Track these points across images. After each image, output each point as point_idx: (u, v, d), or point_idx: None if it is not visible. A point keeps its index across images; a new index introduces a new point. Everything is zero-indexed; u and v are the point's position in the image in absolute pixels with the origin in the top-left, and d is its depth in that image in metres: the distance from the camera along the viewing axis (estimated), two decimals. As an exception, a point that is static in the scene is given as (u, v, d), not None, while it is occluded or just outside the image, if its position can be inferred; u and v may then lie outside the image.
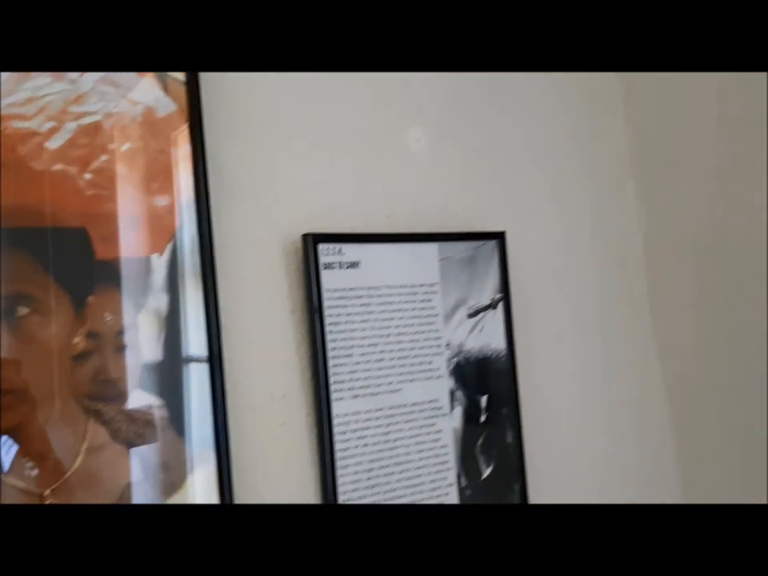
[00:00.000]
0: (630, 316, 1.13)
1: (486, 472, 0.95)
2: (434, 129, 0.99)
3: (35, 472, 0.66)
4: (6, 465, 0.65)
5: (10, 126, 0.68)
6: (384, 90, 0.95)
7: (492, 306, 0.97)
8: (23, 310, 0.67)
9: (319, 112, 0.89)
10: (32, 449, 0.66)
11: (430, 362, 0.91)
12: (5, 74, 0.69)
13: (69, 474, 0.68)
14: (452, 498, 0.91)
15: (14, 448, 0.66)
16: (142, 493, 0.71)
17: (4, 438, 0.65)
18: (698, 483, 1.11)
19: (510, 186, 1.04)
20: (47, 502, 0.66)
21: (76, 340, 0.69)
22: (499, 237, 0.98)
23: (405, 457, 0.88)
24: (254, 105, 0.85)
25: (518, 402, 0.97)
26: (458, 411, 0.93)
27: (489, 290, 0.97)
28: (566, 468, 1.03)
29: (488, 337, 0.96)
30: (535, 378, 1.01)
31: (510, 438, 0.97)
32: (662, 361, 1.14)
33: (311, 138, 0.88)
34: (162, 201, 0.75)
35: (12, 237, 0.67)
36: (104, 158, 0.73)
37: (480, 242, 0.97)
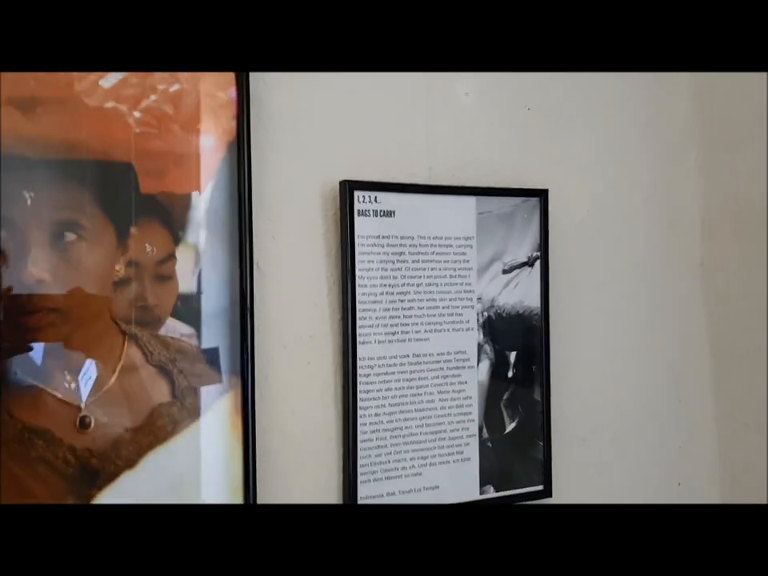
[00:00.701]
0: (679, 283, 1.11)
1: (510, 427, 0.96)
2: (484, 83, 0.98)
3: (74, 385, 0.73)
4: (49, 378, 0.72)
5: (65, 62, 0.73)
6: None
7: (529, 263, 0.97)
8: (71, 236, 0.73)
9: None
10: (72, 364, 0.72)
11: (460, 314, 0.93)
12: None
13: (104, 389, 0.74)
14: (473, 448, 0.93)
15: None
16: (170, 414, 0.76)
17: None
18: (735, 452, 1.09)
19: (559, 145, 1.02)
20: (82, 414, 0.73)
21: (117, 267, 0.75)
22: (542, 195, 0.98)
23: (427, 404, 0.91)
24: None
25: (548, 361, 0.98)
26: (485, 365, 0.95)
27: (526, 248, 0.97)
28: (593, 431, 1.03)
29: (522, 294, 0.97)
30: (568, 338, 1.01)
31: (537, 395, 0.98)
32: (710, 331, 1.11)
33: (356, 86, 0.89)
34: (206, 141, 0.79)
35: (65, 168, 0.72)
36: (153, 97, 0.76)
37: (521, 199, 0.96)
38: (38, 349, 0.71)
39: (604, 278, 1.05)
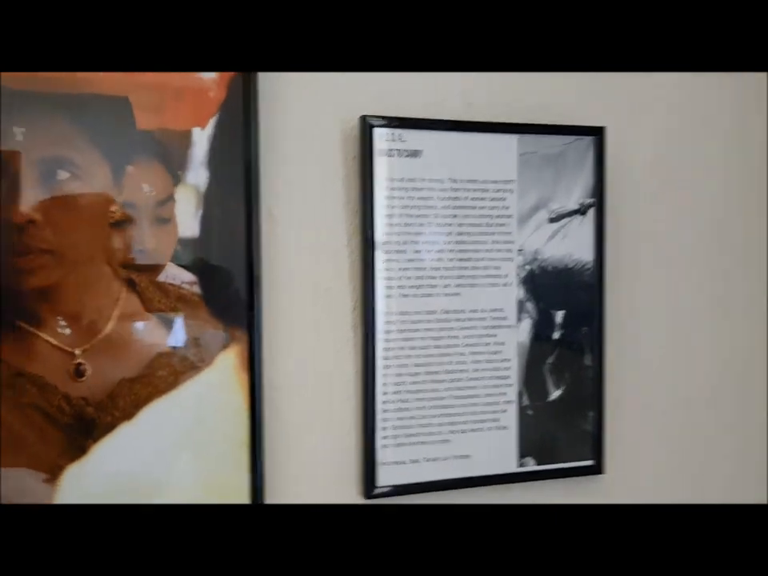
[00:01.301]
0: (757, 245, 0.96)
1: (555, 394, 0.86)
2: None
3: (68, 331, 0.69)
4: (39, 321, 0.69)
5: (56, -11, 0.69)
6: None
7: (580, 211, 0.86)
8: (63, 174, 0.69)
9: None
10: (66, 309, 0.69)
11: (497, 268, 0.83)
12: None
13: (100, 336, 0.70)
14: (510, 415, 0.84)
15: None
16: (171, 365, 0.72)
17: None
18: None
19: (619, 76, 0.90)
20: (77, 361, 0.70)
21: (113, 208, 0.70)
22: (597, 133, 0.86)
23: (458, 366, 0.82)
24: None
25: (602, 322, 0.87)
26: (527, 324, 0.85)
27: (578, 193, 0.86)
28: (652, 403, 0.91)
29: (572, 246, 0.86)
30: (626, 297, 0.90)
31: (588, 360, 0.87)
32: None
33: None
34: (207, 73, 0.73)
35: (54, 101, 0.68)
36: (150, 25, 0.71)
37: (572, 138, 0.85)
38: (30, 292, 0.68)
39: (670, 231, 0.92)
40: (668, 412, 0.92)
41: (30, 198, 0.68)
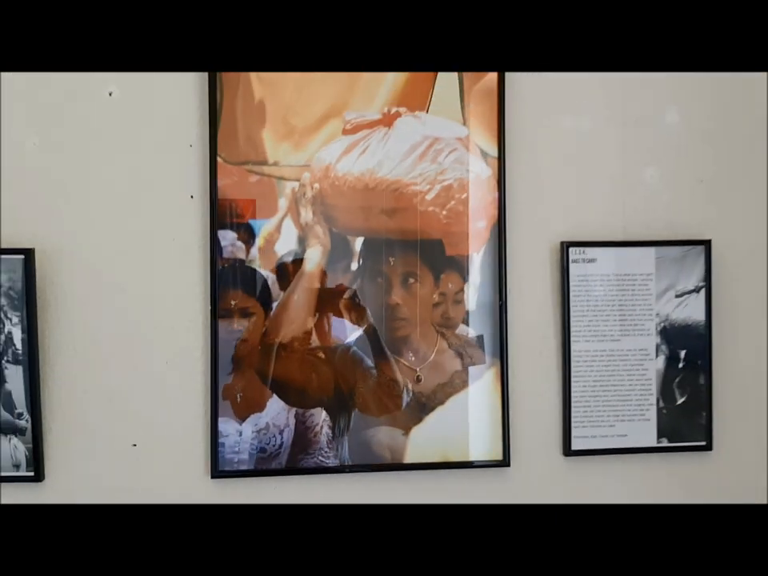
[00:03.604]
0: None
1: (680, 400, 1.43)
2: (665, 165, 1.45)
3: (413, 358, 1.37)
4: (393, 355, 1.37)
5: (410, 188, 1.37)
6: (629, 138, 1.44)
7: (696, 290, 1.43)
8: (411, 281, 1.37)
9: (582, 157, 1.43)
10: (412, 347, 1.37)
11: (643, 325, 1.42)
12: (409, 157, 1.38)
13: (428, 361, 1.38)
14: (652, 413, 1.42)
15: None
16: (461, 376, 1.38)
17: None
18: None
19: (723, 205, 1.45)
20: (417, 374, 1.37)
21: (434, 296, 1.38)
22: (706, 243, 1.42)
23: (619, 381, 1.41)
24: (543, 157, 1.42)
25: (710, 357, 1.42)
26: (662, 358, 1.42)
27: (694, 279, 1.42)
28: (748, 409, 1.45)
29: (690, 311, 1.42)
30: (727, 343, 1.44)
31: (701, 380, 1.43)
32: None
33: (578, 173, 1.43)
34: (479, 224, 1.39)
35: (407, 244, 1.37)
36: (453, 202, 1.38)
37: (689, 247, 1.42)
38: (396, 338, 1.37)
39: (760, 303, 1.45)
40: (756, 414, 1.45)
41: (395, 293, 1.37)
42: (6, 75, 1.30)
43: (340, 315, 1.36)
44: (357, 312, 1.36)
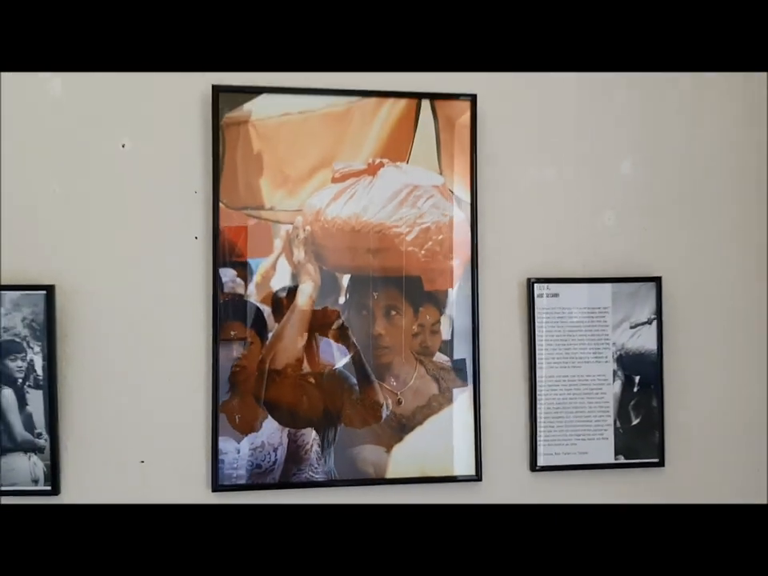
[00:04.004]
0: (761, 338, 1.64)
1: (635, 421, 1.58)
2: (620, 210, 1.62)
3: (394, 383, 1.52)
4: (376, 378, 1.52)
5: (392, 230, 1.53)
6: (588, 187, 1.61)
7: (648, 322, 1.59)
8: (393, 313, 1.53)
9: (547, 203, 1.60)
10: (394, 373, 1.52)
11: (601, 353, 1.58)
12: (392, 203, 1.54)
13: (408, 386, 1.53)
14: (609, 433, 1.57)
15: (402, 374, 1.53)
16: (438, 399, 1.53)
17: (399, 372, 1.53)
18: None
19: (673, 245, 1.62)
20: (398, 398, 1.52)
21: (414, 327, 1.53)
22: (657, 280, 1.59)
23: (580, 403, 1.57)
24: (511, 203, 1.59)
25: (662, 382, 1.59)
26: (618, 383, 1.58)
27: (647, 312, 1.59)
28: (696, 428, 1.61)
29: (643, 341, 1.59)
30: (676, 369, 1.61)
31: (654, 402, 1.59)
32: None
33: (543, 217, 1.59)
34: (456, 263, 1.55)
35: (389, 280, 1.53)
36: (430, 243, 1.54)
37: (642, 283, 1.59)
38: (379, 365, 1.52)
39: (706, 332, 1.62)
40: (703, 432, 1.61)
41: (379, 324, 1.52)
42: (32, 132, 1.46)
43: (329, 344, 1.51)
44: (344, 341, 1.52)
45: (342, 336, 1.52)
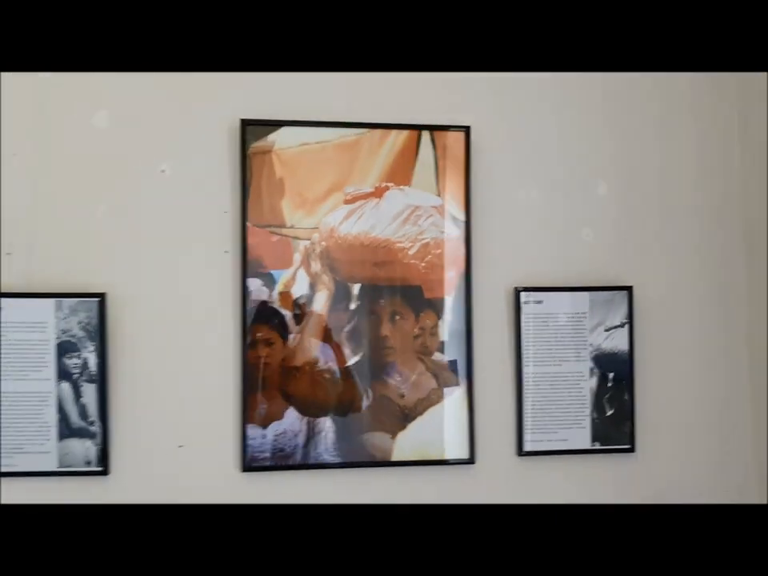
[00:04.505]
0: (726, 341, 1.86)
1: (609, 412, 1.81)
2: (597, 227, 1.84)
3: (398, 378, 1.74)
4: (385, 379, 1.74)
5: (396, 245, 1.76)
6: (568, 205, 1.84)
7: (621, 325, 1.82)
8: (397, 317, 1.75)
9: (532, 220, 1.82)
10: (397, 370, 1.74)
11: (579, 353, 1.80)
12: (396, 221, 1.76)
13: (410, 381, 1.75)
14: (586, 423, 1.80)
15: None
16: (437, 393, 1.75)
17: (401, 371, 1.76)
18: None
19: (643, 258, 1.85)
20: (402, 392, 1.74)
21: (415, 330, 1.76)
22: (629, 289, 1.82)
23: (561, 397, 1.79)
24: (501, 220, 1.81)
25: (632, 378, 1.81)
26: (594, 379, 1.81)
27: (620, 316, 1.81)
28: (663, 418, 1.83)
29: (616, 342, 1.81)
30: (645, 367, 1.83)
31: (626, 396, 1.81)
32: (750, 372, 1.85)
33: (529, 233, 1.82)
34: (450, 274, 1.77)
35: (391, 290, 1.75)
36: (429, 257, 1.77)
37: (616, 291, 1.81)
38: (389, 365, 1.74)
39: (672, 335, 1.85)
40: (669, 422, 1.83)
41: (384, 327, 1.74)
42: (83, 160, 1.68)
43: (341, 344, 1.74)
44: (354, 341, 1.74)
45: (353, 337, 1.74)
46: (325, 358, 1.73)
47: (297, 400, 1.71)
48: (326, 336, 1.73)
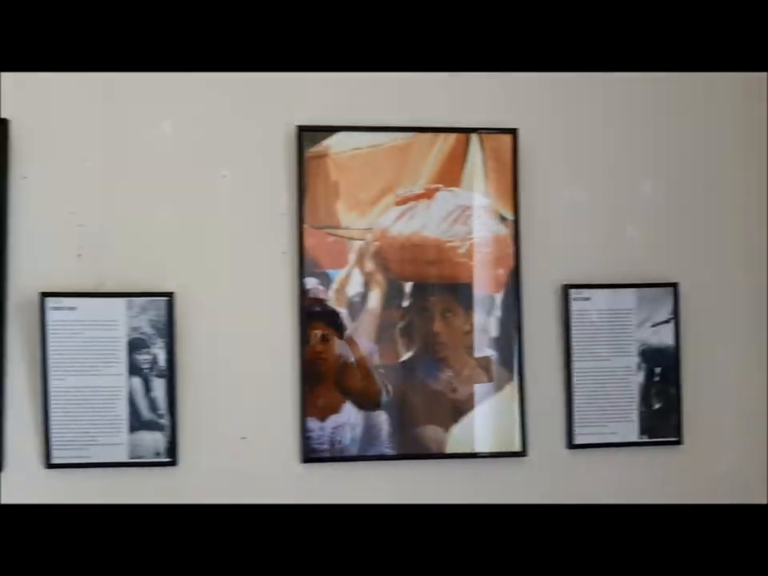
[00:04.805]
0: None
1: (656, 405, 1.85)
2: (642, 225, 1.89)
3: (450, 373, 1.80)
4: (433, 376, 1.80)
5: (447, 245, 1.82)
6: (614, 204, 1.88)
7: (667, 321, 1.86)
8: (448, 314, 1.81)
9: (579, 219, 1.88)
10: (449, 365, 1.80)
11: (626, 348, 1.85)
12: (446, 221, 1.83)
13: (462, 376, 1.81)
14: (634, 416, 1.84)
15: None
16: (487, 389, 1.80)
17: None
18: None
19: (690, 256, 1.89)
20: (454, 386, 1.80)
21: (466, 326, 1.82)
22: (675, 285, 1.86)
23: (609, 391, 1.84)
24: (548, 220, 1.86)
25: (679, 372, 1.85)
26: (641, 374, 1.85)
27: (665, 312, 1.86)
28: (709, 411, 1.87)
29: (663, 337, 1.85)
30: (693, 360, 1.87)
31: (672, 390, 1.85)
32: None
33: (576, 232, 1.87)
34: (501, 272, 1.83)
35: (442, 288, 1.81)
36: (479, 255, 1.83)
37: (662, 288, 1.86)
38: (441, 361, 1.80)
39: (717, 330, 1.89)
40: (716, 415, 1.87)
41: (436, 324, 1.81)
42: (149, 165, 1.77)
43: (395, 340, 1.80)
44: (407, 338, 1.80)
45: (406, 334, 1.81)
46: (379, 354, 1.79)
47: (353, 394, 1.78)
48: (380, 333, 1.80)
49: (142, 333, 1.71)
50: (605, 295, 1.85)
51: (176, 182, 1.78)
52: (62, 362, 1.69)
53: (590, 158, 1.89)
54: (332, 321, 1.79)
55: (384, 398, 1.79)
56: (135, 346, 1.70)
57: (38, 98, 1.74)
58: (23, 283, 1.71)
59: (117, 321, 1.70)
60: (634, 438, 1.84)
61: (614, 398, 1.85)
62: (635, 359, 1.85)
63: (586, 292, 1.85)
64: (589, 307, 1.85)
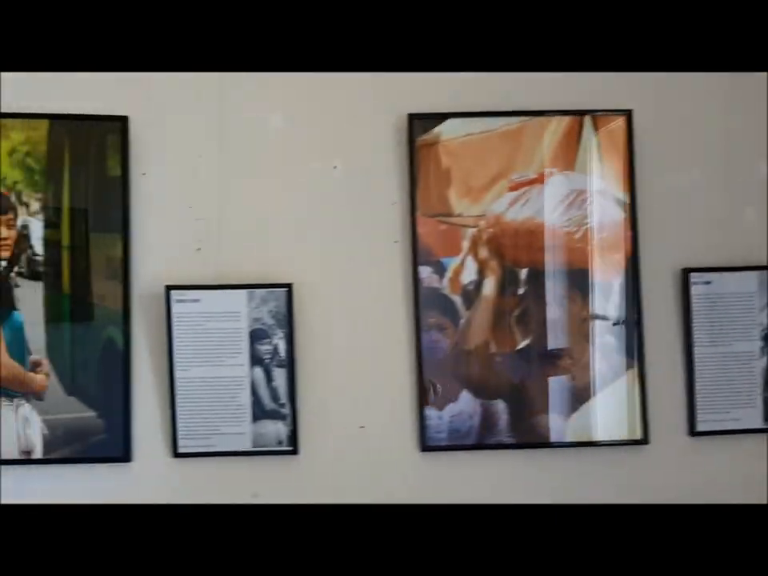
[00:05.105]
0: None
1: (783, 392, 1.79)
2: (760, 206, 1.82)
3: (569, 361, 1.78)
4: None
5: (562, 230, 1.79)
6: (730, 185, 1.82)
7: (792, 304, 1.80)
8: (566, 301, 1.78)
9: (696, 202, 1.82)
10: (567, 353, 1.78)
11: (749, 333, 1.79)
12: (561, 206, 1.80)
13: (581, 364, 1.78)
14: (758, 402, 1.79)
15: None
16: (607, 376, 1.77)
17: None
18: None
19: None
20: (572, 375, 1.78)
21: (583, 313, 1.79)
22: (799, 267, 1.80)
23: (732, 376, 1.79)
24: (665, 202, 1.82)
25: (806, 358, 1.79)
26: (765, 358, 1.79)
27: (790, 296, 1.80)
28: None
29: (788, 321, 1.79)
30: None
31: (800, 376, 1.79)
32: None
33: (693, 214, 1.82)
34: (619, 257, 1.79)
35: (558, 274, 1.78)
36: (595, 240, 1.79)
37: (786, 270, 1.80)
38: (559, 348, 1.78)
39: None
40: None
41: (553, 311, 1.78)
42: (260, 157, 1.79)
43: (511, 328, 1.79)
44: (524, 326, 1.79)
45: (522, 321, 1.79)
46: (495, 342, 1.78)
47: (470, 383, 1.77)
48: (496, 320, 1.78)
49: (263, 323, 1.73)
50: (726, 278, 1.80)
51: (288, 175, 1.79)
52: (186, 353, 1.72)
53: (706, 139, 1.84)
54: (447, 309, 1.78)
55: (501, 386, 1.77)
56: (257, 336, 1.73)
57: (155, 97, 1.78)
58: (146, 277, 1.75)
59: (239, 312, 1.72)
60: (759, 424, 1.79)
61: (736, 384, 1.79)
62: (758, 343, 1.80)
63: (706, 276, 1.80)
64: (710, 291, 1.80)
